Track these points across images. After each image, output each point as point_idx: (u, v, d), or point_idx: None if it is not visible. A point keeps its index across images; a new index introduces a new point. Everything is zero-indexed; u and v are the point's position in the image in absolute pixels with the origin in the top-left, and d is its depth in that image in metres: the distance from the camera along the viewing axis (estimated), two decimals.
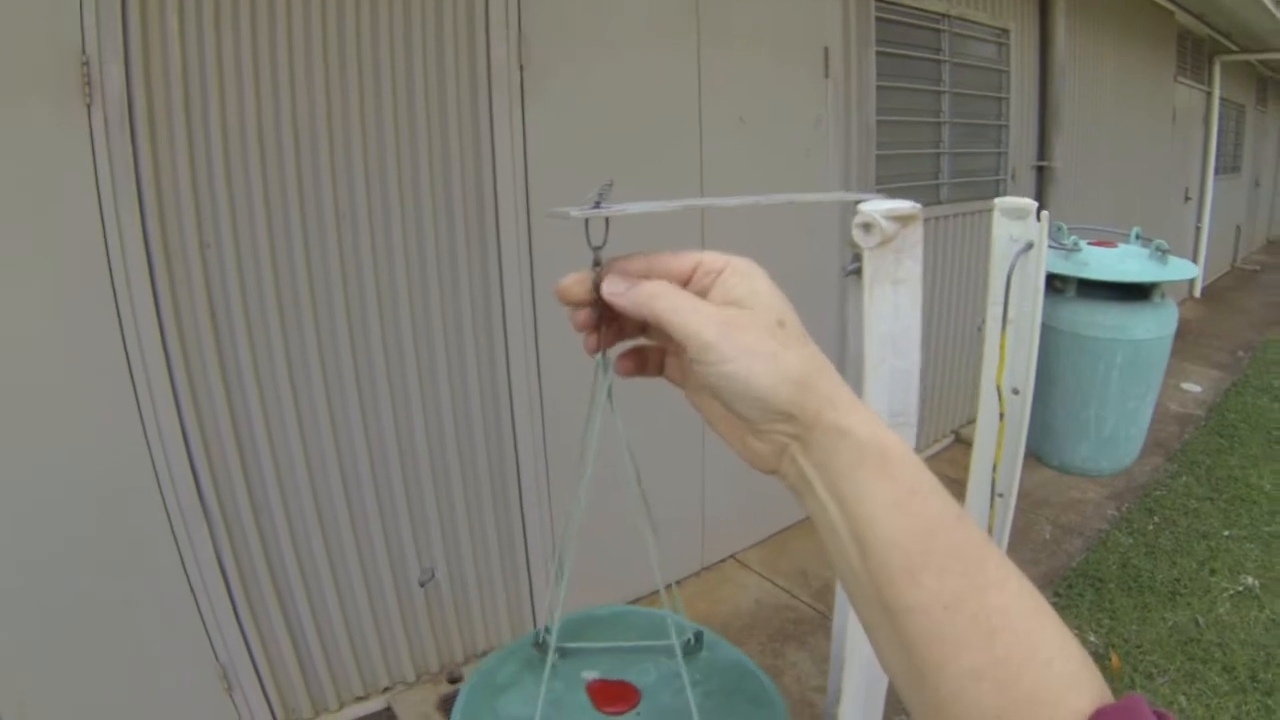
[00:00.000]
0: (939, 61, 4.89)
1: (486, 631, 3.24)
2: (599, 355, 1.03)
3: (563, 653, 1.59)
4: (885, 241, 1.30)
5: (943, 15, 4.82)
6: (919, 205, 1.34)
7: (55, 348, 2.22)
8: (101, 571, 2.37)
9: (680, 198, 0.84)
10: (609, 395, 1.03)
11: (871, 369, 1.42)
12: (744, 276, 0.56)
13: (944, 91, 4.95)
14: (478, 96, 2.83)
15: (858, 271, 1.34)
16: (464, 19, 2.75)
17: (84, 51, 2.15)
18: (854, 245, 1.31)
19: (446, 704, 2.98)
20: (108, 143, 2.21)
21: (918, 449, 0.81)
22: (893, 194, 1.32)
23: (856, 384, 1.46)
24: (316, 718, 2.89)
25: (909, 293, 1.38)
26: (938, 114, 4.97)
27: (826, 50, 4.00)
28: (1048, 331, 2.08)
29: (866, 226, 1.28)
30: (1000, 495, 2.13)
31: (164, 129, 2.29)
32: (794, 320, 0.56)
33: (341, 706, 2.94)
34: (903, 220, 1.32)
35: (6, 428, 2.19)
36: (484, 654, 3.20)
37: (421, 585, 3.01)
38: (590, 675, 1.56)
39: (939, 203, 5.02)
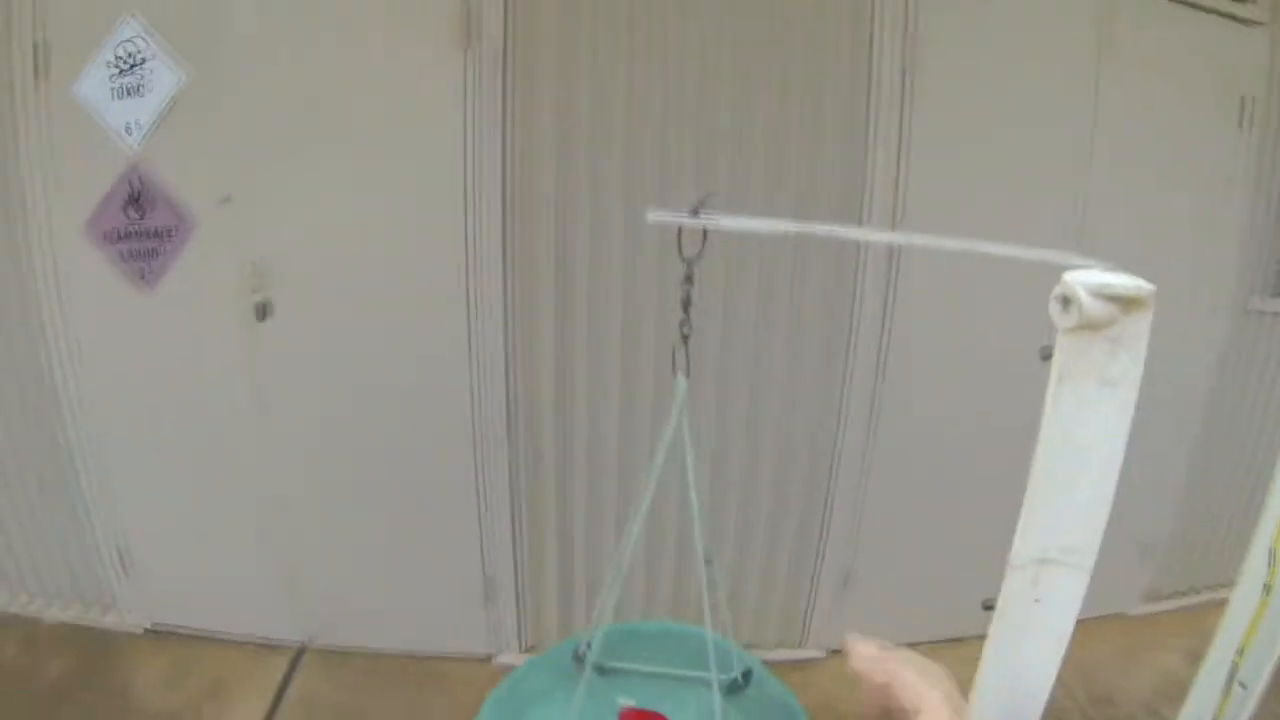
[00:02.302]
0: None
1: (750, 629, 3.03)
2: (678, 379, 0.88)
3: (602, 670, 1.39)
4: (1094, 327, 0.97)
5: None
6: (1150, 286, 0.98)
7: (406, 256, 2.40)
8: (401, 467, 2.50)
9: (1052, 240, 0.68)
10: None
11: (1039, 487, 1.04)
12: None
13: None
14: (855, 91, 2.61)
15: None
16: (848, 10, 2.56)
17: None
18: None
19: None
20: (480, 85, 2.37)
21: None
22: None
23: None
24: None
25: (1119, 400, 0.99)
26: None
27: (1244, 99, 3.37)
28: None
29: (1065, 301, 0.96)
30: (1242, 685, 1.62)
31: (535, 79, 2.40)
32: None
33: None
34: (1124, 304, 0.98)
35: (339, 317, 2.39)
36: (747, 646, 2.98)
37: (707, 564, 2.87)
38: (625, 702, 1.35)
39: None
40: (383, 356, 2.59)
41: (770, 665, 1.38)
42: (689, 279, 0.71)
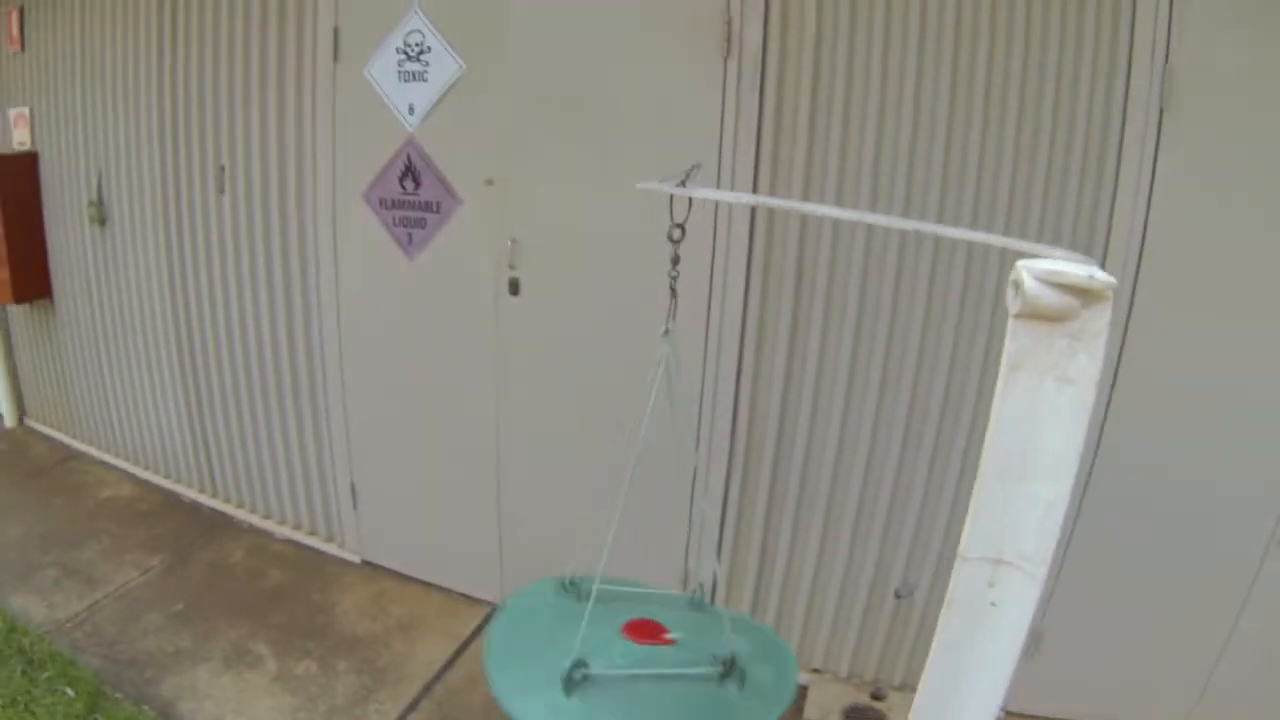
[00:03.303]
0: None
1: None
2: (664, 333, 0.91)
3: (585, 596, 1.63)
4: (1049, 318, 0.88)
5: None
6: (1109, 278, 0.85)
7: (651, 252, 2.48)
8: (623, 453, 2.59)
9: None
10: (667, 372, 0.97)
11: (990, 480, 0.96)
12: None
13: None
14: (1108, 134, 2.42)
15: None
16: (1106, 45, 2.35)
17: (728, 11, 2.40)
18: None
19: (850, 714, 2.77)
20: (738, 92, 2.45)
21: None
22: None
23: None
24: None
25: (1076, 398, 0.91)
26: None
27: None
28: None
29: (1015, 286, 0.87)
30: None
31: (790, 90, 2.44)
32: None
33: None
34: (1081, 295, 0.87)
35: (582, 301, 2.63)
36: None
37: (897, 597, 2.81)
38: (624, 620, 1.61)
39: None
40: (619, 345, 2.69)
41: None
42: (675, 241, 0.77)
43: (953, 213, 2.48)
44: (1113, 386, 2.52)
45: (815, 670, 2.90)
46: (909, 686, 2.90)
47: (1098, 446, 2.57)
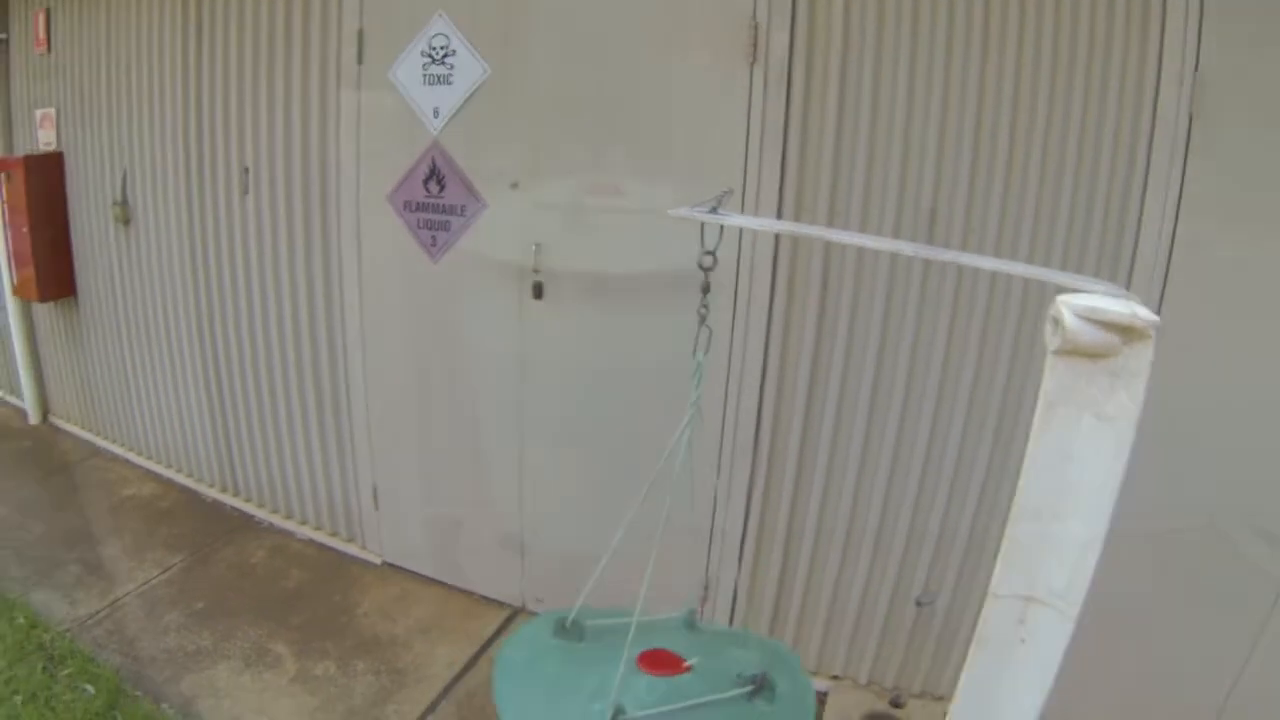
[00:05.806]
0: None
1: (953, 677, 2.88)
2: (697, 358, 0.89)
3: (583, 633, 1.67)
4: (1089, 355, 0.85)
5: None
6: (1152, 317, 0.82)
7: (677, 255, 2.45)
8: (647, 457, 2.56)
9: None
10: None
11: (1024, 516, 0.94)
12: None
13: None
14: (1137, 140, 2.36)
15: None
16: (1135, 51, 2.31)
17: (754, 17, 2.37)
18: None
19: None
20: (764, 98, 2.41)
21: None
22: None
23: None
24: None
25: (1116, 436, 0.89)
26: None
27: None
28: None
29: (1054, 323, 0.84)
30: None
31: (816, 95, 2.40)
32: None
33: None
34: (1122, 333, 0.84)
35: (605, 306, 2.61)
36: (940, 698, 2.89)
37: (918, 605, 2.78)
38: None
39: None
40: (642, 352, 2.68)
41: None
42: (706, 269, 0.76)
43: (979, 221, 2.43)
44: None
45: (835, 677, 2.86)
46: (928, 694, 2.87)
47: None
